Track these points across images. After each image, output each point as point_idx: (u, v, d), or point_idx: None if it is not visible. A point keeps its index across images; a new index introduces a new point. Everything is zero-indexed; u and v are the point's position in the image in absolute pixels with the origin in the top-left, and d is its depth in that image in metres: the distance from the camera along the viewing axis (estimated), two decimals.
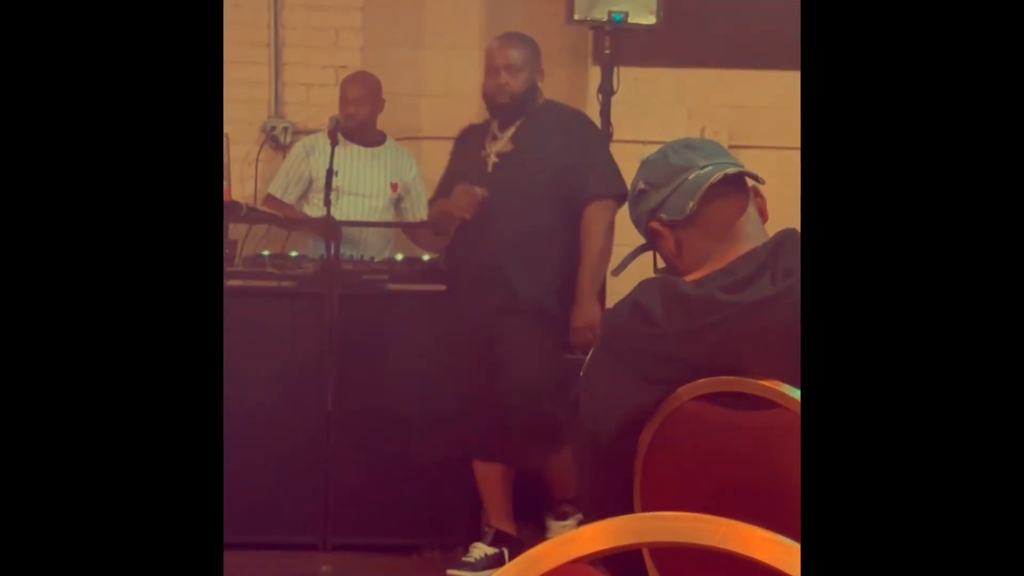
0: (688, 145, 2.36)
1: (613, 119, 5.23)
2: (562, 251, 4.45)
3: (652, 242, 2.32)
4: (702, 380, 2.03)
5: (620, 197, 4.22)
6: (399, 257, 4.84)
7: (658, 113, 5.59)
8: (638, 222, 2.35)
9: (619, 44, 5.24)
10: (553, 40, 5.64)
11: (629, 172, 5.07)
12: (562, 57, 5.71)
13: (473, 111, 5.70)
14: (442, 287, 4.71)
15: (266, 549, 4.62)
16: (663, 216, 2.27)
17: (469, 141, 4.66)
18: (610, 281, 4.59)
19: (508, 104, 4.51)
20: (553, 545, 1.16)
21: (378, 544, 4.63)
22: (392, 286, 4.74)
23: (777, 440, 1.95)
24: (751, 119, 5.70)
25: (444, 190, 4.61)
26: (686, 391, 2.05)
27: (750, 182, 2.30)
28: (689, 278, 2.20)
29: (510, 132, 4.52)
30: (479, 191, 4.44)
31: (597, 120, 5.26)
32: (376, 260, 4.82)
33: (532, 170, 4.40)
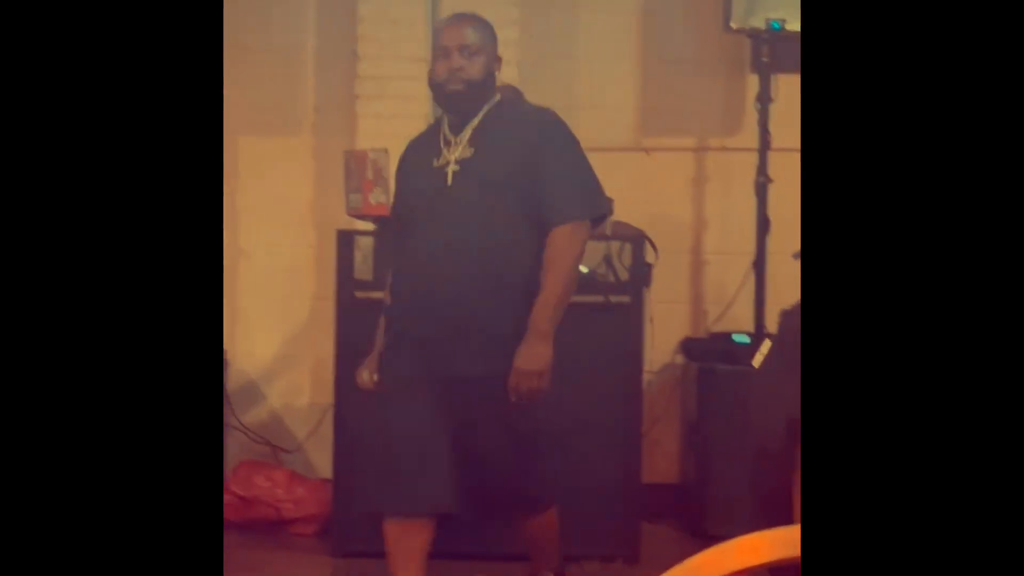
0: None
1: (771, 127, 5.19)
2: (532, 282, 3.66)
3: None
4: None
5: (597, 219, 3.74)
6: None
7: None
8: None
9: (777, 52, 5.19)
10: (710, 49, 5.61)
11: (788, 179, 4.99)
12: (719, 66, 5.67)
13: (628, 122, 5.70)
14: (599, 298, 4.70)
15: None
16: None
17: (418, 153, 3.85)
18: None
19: (463, 93, 3.68)
20: (713, 554, 1.15)
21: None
22: None
23: None
24: None
25: (397, 214, 3.90)
26: None
27: None
28: None
29: (467, 134, 3.70)
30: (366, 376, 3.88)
31: (754, 129, 5.22)
32: None
33: (497, 180, 3.62)
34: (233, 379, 5.70)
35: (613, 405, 4.66)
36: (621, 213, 5.19)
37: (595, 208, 3.71)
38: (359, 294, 4.86)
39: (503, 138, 3.67)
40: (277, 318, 5.78)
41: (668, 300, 5.52)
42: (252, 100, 5.58)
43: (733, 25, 5.17)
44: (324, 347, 5.27)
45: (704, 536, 4.92)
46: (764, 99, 5.19)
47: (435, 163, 3.70)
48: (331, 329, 4.93)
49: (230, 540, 5.08)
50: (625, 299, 4.68)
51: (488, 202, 3.60)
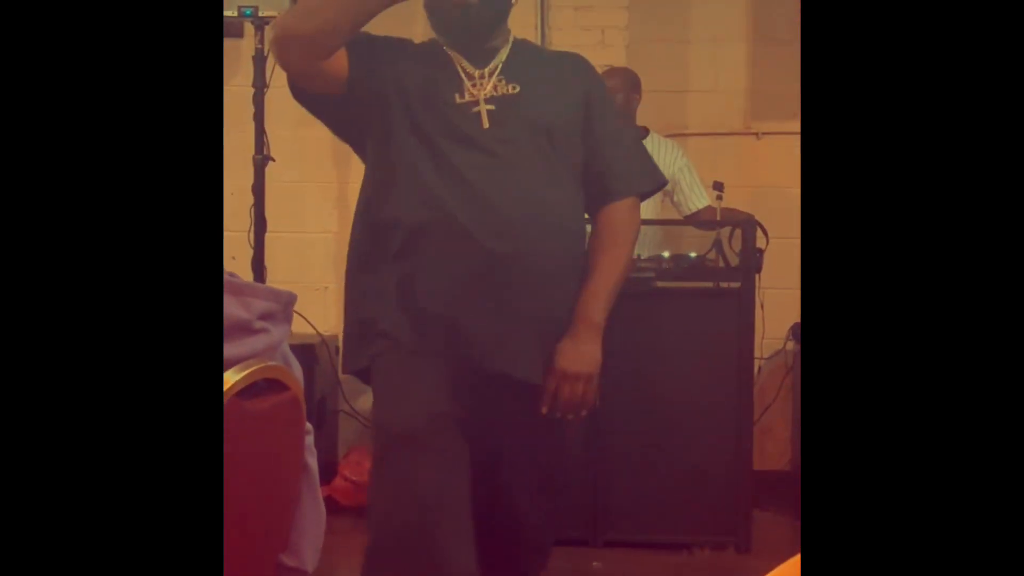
0: None
1: None
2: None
3: None
4: None
5: (646, 195, 3.02)
6: (666, 255, 4.82)
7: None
8: None
9: None
10: None
11: None
12: None
13: (738, 106, 5.66)
14: (709, 284, 4.68)
15: None
16: None
17: (427, 77, 2.87)
18: None
19: (482, 12, 2.83)
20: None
21: (648, 541, 4.64)
22: (665, 283, 4.72)
23: None
24: None
25: (396, 150, 2.84)
26: None
27: None
28: None
29: (496, 67, 2.87)
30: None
31: None
32: (643, 257, 4.83)
33: (553, 126, 2.83)
34: None
35: (725, 392, 4.63)
36: (731, 198, 5.16)
37: (655, 182, 3.01)
38: None
39: (546, 77, 2.89)
40: None
41: (779, 286, 5.47)
42: None
43: None
44: None
45: None
46: None
47: (458, 99, 2.81)
48: None
49: (342, 524, 5.14)
50: (735, 285, 4.64)
51: (543, 153, 2.80)
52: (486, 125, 2.76)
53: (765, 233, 4.97)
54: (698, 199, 5.28)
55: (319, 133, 5.70)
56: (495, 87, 2.82)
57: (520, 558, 2.95)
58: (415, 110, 2.79)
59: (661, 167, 5.14)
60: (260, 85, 4.88)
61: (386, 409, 2.80)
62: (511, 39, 2.94)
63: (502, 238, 2.68)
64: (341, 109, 2.85)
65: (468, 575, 2.71)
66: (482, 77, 2.83)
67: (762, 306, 4.92)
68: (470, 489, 2.74)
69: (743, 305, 4.63)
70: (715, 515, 4.63)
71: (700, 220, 5.20)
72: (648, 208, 5.16)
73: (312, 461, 2.31)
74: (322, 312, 5.66)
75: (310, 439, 2.30)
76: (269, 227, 4.75)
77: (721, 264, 4.73)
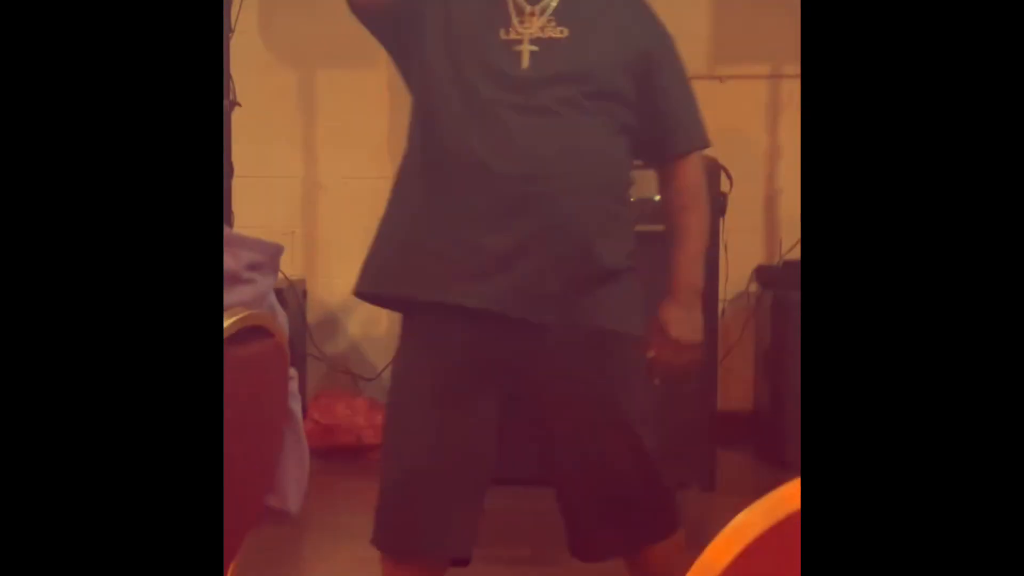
0: None
1: None
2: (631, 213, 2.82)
3: None
4: None
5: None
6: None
7: None
8: None
9: None
10: None
11: None
12: None
13: (701, 50, 5.68)
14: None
15: (513, 484, 4.76)
16: None
17: (470, 5, 2.70)
18: None
19: None
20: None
21: None
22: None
23: None
24: None
25: (435, 84, 2.66)
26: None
27: None
28: None
29: (549, 4, 2.66)
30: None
31: None
32: None
33: (597, 77, 2.64)
34: (313, 311, 5.80)
35: None
36: None
37: (706, 137, 2.87)
38: None
39: (600, 23, 2.69)
40: (355, 250, 5.84)
41: (742, 229, 5.52)
42: (329, 34, 5.62)
43: None
44: None
45: (779, 463, 4.96)
46: None
47: (503, 34, 2.64)
48: None
49: (312, 466, 5.20)
50: None
51: (580, 104, 2.61)
52: (525, 65, 2.60)
53: (729, 176, 5.02)
54: None
55: (285, 80, 5.71)
56: (542, 28, 2.64)
57: (647, 519, 2.77)
58: (453, 40, 2.65)
59: None
60: (225, 30, 4.88)
61: (407, 362, 2.74)
62: None
63: (528, 181, 2.54)
64: (385, 25, 2.75)
65: (466, 528, 2.71)
66: (532, 15, 2.64)
67: (726, 249, 4.97)
68: (491, 450, 2.69)
69: (709, 249, 4.66)
70: (680, 455, 4.70)
71: None
72: None
73: (296, 406, 2.37)
74: (289, 257, 5.69)
75: (294, 385, 2.34)
76: (235, 171, 4.77)
77: None
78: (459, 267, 2.57)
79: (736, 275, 5.49)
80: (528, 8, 2.65)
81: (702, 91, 5.65)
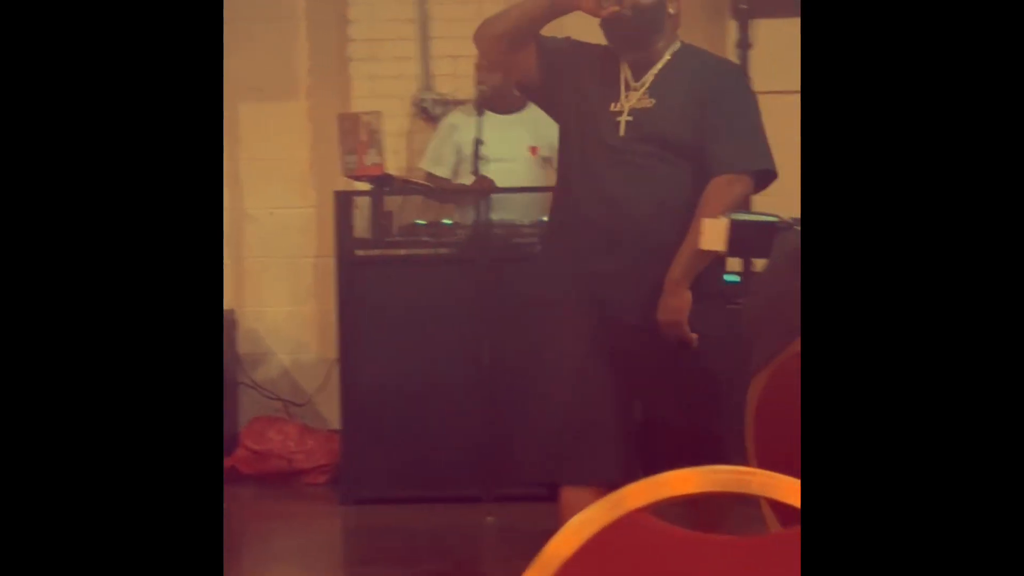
0: None
1: (751, 73, 5.30)
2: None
3: None
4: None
5: (761, 174, 3.29)
6: (546, 219, 4.99)
7: (797, 64, 5.61)
8: None
9: None
10: None
11: (771, 125, 5.11)
12: (701, 12, 5.79)
13: None
14: None
15: (433, 502, 4.89)
16: None
17: (595, 80, 3.40)
18: None
19: (632, 22, 3.29)
20: (642, 485, 1.29)
21: (541, 495, 4.81)
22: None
23: None
24: None
25: (568, 146, 3.47)
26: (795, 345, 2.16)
27: None
28: None
29: (648, 80, 3.33)
30: None
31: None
32: (526, 223, 4.99)
33: (670, 136, 3.30)
34: (243, 339, 5.89)
35: None
36: None
37: (758, 161, 3.29)
38: (359, 252, 5.04)
39: (684, 91, 3.31)
40: (283, 278, 5.96)
41: None
42: (248, 67, 5.72)
43: None
44: (327, 303, 5.46)
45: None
46: (744, 45, 5.30)
47: (613, 107, 3.31)
48: (334, 286, 5.11)
49: (246, 492, 5.29)
50: None
51: (659, 168, 3.27)
52: (621, 134, 3.27)
53: None
54: None
55: None
56: (639, 100, 3.30)
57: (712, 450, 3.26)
58: (580, 115, 3.36)
59: (542, 137, 5.33)
60: None
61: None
62: (675, 47, 3.39)
63: (616, 223, 3.24)
64: (539, 98, 3.56)
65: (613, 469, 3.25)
66: (634, 90, 3.32)
67: None
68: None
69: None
70: (607, 464, 4.81)
71: None
72: (524, 176, 5.33)
73: None
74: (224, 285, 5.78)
75: None
76: None
77: None
78: (580, 283, 3.32)
79: None
80: (633, 84, 3.32)
81: None
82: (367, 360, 4.97)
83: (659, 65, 3.34)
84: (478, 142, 4.89)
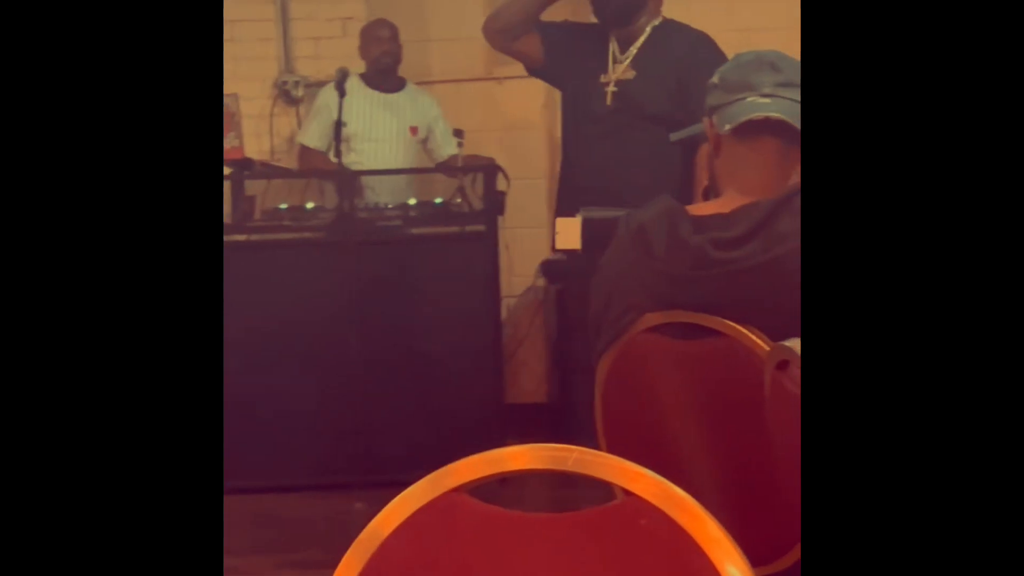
0: (773, 65, 2.20)
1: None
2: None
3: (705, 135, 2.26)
4: (658, 313, 2.13)
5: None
6: (412, 202, 4.96)
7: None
8: (705, 110, 2.27)
9: None
10: None
11: None
12: None
13: (478, 53, 5.80)
14: (455, 228, 4.83)
15: (303, 490, 4.82)
16: (715, 119, 2.23)
17: (584, 53, 3.78)
18: None
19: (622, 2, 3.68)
20: (472, 460, 1.27)
21: (409, 480, 4.78)
22: (415, 230, 4.86)
23: (722, 364, 2.06)
24: (757, 44, 5.73)
25: (569, 119, 3.86)
26: (645, 321, 2.15)
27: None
28: (696, 211, 2.20)
29: (632, 53, 3.71)
30: None
31: None
32: (390, 206, 4.95)
33: (648, 106, 3.64)
34: None
35: (475, 331, 4.80)
36: (476, 144, 5.32)
37: None
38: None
39: (663, 63, 3.66)
40: None
41: (528, 225, 5.66)
42: None
43: None
44: None
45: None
46: None
47: (602, 78, 3.72)
48: None
49: None
50: (480, 228, 4.81)
51: (643, 137, 3.60)
52: (608, 103, 3.64)
53: (506, 176, 5.14)
54: (449, 146, 5.42)
55: None
56: (623, 71, 3.68)
57: None
58: (575, 87, 3.74)
59: (420, 118, 5.30)
60: None
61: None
62: (656, 23, 3.73)
63: (596, 179, 3.59)
64: (547, 77, 4.01)
65: None
66: (619, 63, 3.69)
67: (507, 247, 5.10)
68: None
69: (488, 247, 4.79)
70: (472, 449, 4.79)
71: (445, 167, 5.35)
72: (400, 156, 5.28)
73: None
74: None
75: None
76: None
77: (465, 209, 4.89)
78: None
79: (523, 270, 5.62)
80: (619, 57, 3.71)
81: (481, 93, 5.81)
82: (231, 347, 4.87)
83: (640, 39, 3.69)
84: (339, 124, 4.81)
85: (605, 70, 3.72)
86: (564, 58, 3.81)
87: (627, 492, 1.19)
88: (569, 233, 3.33)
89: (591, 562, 1.19)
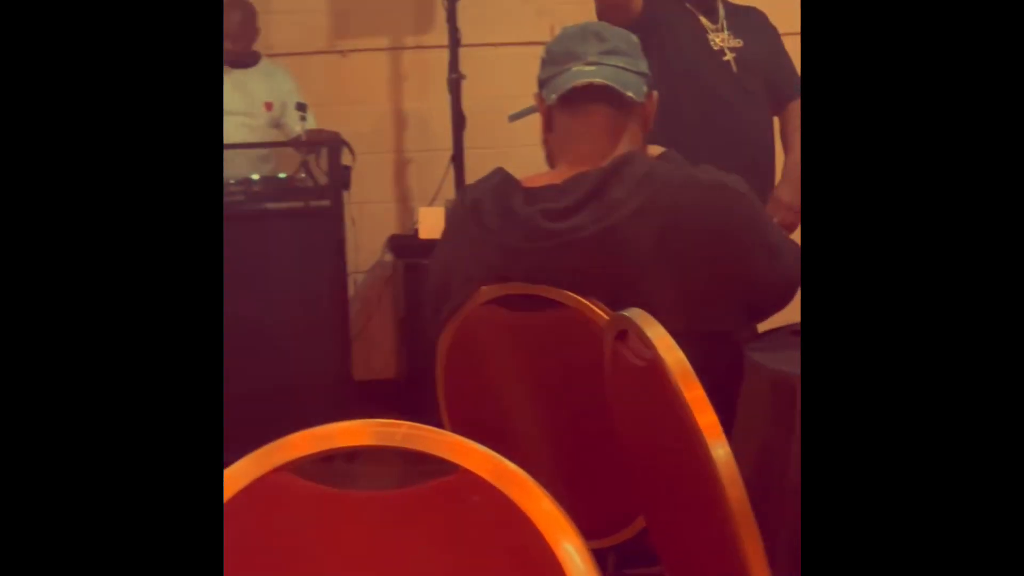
0: (598, 35, 2.20)
1: (460, 24, 5.28)
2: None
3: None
4: (494, 286, 2.12)
5: None
6: (255, 177, 4.88)
7: (506, 15, 5.62)
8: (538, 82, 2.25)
9: None
10: None
11: (479, 75, 5.12)
12: None
13: (321, 25, 5.72)
14: (300, 203, 4.76)
15: None
16: (543, 93, 2.22)
17: (681, 22, 3.60)
18: None
19: None
20: (308, 434, 1.25)
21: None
22: (258, 206, 4.78)
23: (561, 335, 2.06)
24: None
25: (675, 90, 3.40)
26: (482, 294, 2.14)
27: (632, 95, 2.17)
28: (529, 183, 2.20)
29: (722, 20, 3.64)
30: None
31: (444, 26, 5.32)
32: (232, 181, 4.85)
33: (760, 72, 3.64)
34: None
35: (321, 307, 4.75)
36: (319, 119, 5.24)
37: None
38: None
39: (752, 28, 3.66)
40: None
41: (374, 200, 5.61)
42: None
43: None
44: None
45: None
46: None
47: (713, 45, 3.57)
48: None
49: None
50: (325, 203, 4.75)
51: (761, 99, 3.63)
52: (736, 71, 3.54)
53: (351, 150, 5.08)
54: (299, 122, 5.34)
55: None
56: (727, 39, 3.57)
57: None
58: (683, 51, 3.50)
59: (276, 94, 5.21)
60: None
61: None
62: None
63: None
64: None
65: None
66: (716, 31, 3.56)
67: (354, 222, 5.05)
68: None
69: (333, 222, 4.74)
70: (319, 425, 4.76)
71: (290, 142, 5.27)
72: (242, 132, 5.19)
73: None
74: None
75: None
76: None
77: (310, 184, 4.82)
78: None
79: (370, 245, 5.58)
80: (711, 25, 3.58)
81: (324, 66, 5.73)
82: None
83: (721, 8, 3.59)
84: None
85: (706, 36, 3.57)
86: (663, 15, 3.54)
87: (460, 467, 1.18)
88: (432, 223, 3.30)
89: (421, 539, 1.18)
